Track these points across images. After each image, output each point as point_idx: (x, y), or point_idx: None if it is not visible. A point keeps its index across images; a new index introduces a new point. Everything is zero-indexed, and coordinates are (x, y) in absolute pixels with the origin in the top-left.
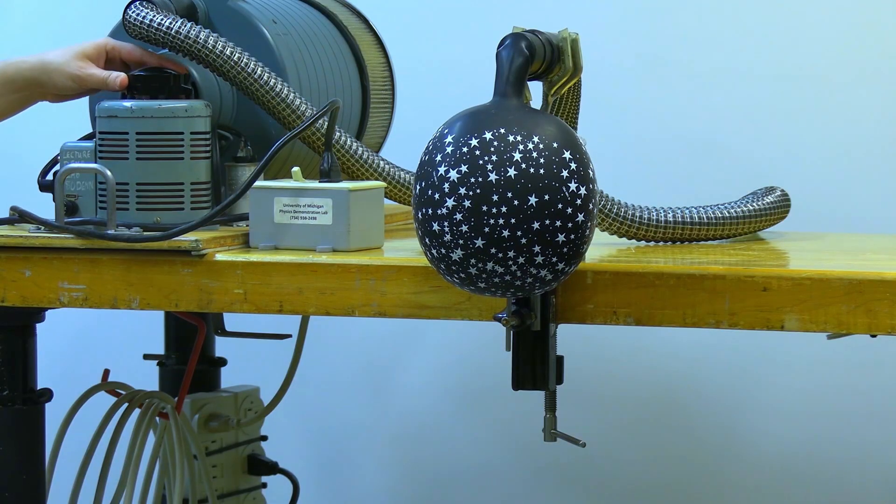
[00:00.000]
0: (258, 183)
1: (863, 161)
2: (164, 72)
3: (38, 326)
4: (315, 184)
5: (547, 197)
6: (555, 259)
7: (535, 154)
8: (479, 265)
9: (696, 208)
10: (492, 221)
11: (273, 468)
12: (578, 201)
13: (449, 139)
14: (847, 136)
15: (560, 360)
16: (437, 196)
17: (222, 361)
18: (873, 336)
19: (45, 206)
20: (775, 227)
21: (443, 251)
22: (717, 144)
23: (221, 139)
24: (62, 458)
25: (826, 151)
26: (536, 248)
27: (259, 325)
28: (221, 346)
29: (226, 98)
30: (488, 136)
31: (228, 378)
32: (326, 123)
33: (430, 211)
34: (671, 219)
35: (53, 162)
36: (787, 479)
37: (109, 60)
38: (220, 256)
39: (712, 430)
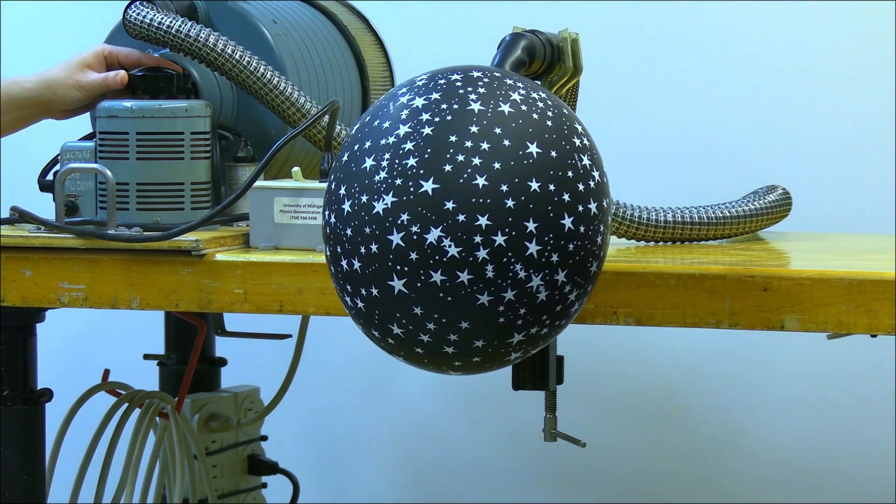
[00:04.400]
0: (258, 183)
1: (863, 161)
2: (165, 72)
3: (38, 326)
4: (315, 184)
5: (554, 154)
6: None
7: (539, 103)
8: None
9: (696, 208)
10: (459, 158)
11: (273, 468)
12: (591, 183)
13: (422, 77)
14: (847, 136)
15: (560, 360)
16: (386, 124)
17: (222, 361)
18: (873, 336)
19: (45, 206)
20: (775, 226)
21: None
22: (718, 144)
23: (221, 139)
24: (62, 458)
25: (826, 151)
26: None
27: (259, 325)
28: (221, 346)
29: (226, 98)
30: (476, 73)
31: (228, 378)
32: (327, 123)
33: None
34: (671, 219)
35: (53, 162)
36: (786, 479)
37: (108, 66)
38: (220, 256)
39: (712, 429)
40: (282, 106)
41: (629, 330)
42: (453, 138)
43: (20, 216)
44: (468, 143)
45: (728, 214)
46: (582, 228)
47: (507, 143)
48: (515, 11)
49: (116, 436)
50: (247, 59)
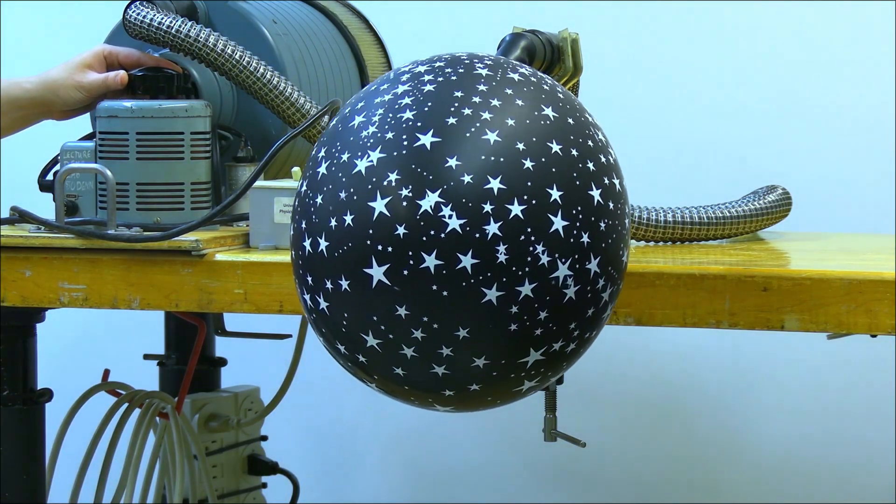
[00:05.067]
0: (258, 183)
1: (863, 161)
2: (165, 72)
3: (38, 326)
4: None
5: (571, 121)
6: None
7: (548, 79)
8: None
9: (696, 208)
10: (465, 112)
11: (273, 468)
12: (611, 158)
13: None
14: (847, 137)
15: None
16: (384, 87)
17: (222, 361)
18: (873, 336)
19: (45, 206)
20: (775, 226)
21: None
22: (718, 144)
23: (221, 139)
24: (62, 458)
25: (826, 151)
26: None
27: (259, 325)
28: (221, 346)
29: (226, 98)
30: (481, 54)
31: (228, 378)
32: (326, 123)
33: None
34: (671, 219)
35: (53, 162)
36: (786, 479)
37: (108, 66)
38: (220, 256)
39: (712, 429)
40: (282, 106)
41: (629, 330)
42: (459, 94)
43: (20, 216)
44: (476, 99)
45: (728, 214)
46: (611, 205)
47: (520, 102)
48: (515, 11)
49: (116, 436)
50: (247, 59)
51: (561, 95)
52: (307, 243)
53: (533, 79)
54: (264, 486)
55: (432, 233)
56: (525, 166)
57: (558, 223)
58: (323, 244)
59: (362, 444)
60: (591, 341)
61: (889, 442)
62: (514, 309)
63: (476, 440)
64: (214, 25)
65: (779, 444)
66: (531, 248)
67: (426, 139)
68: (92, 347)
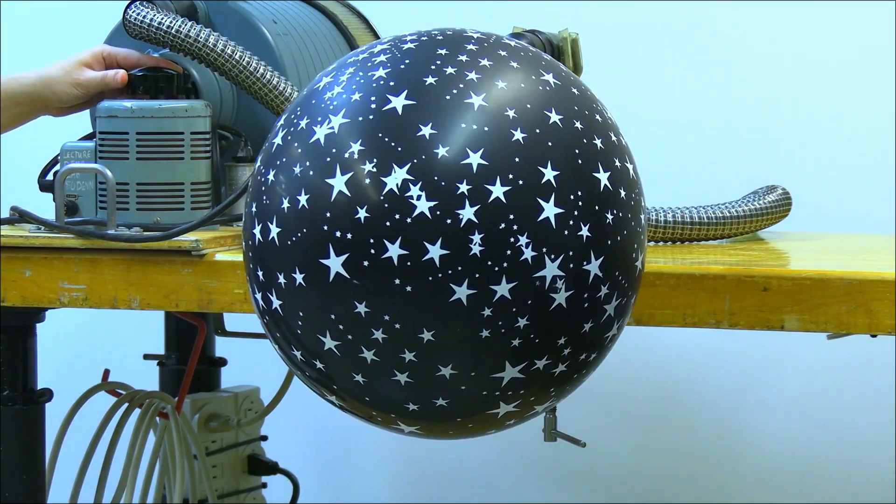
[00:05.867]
0: None
1: (863, 161)
2: (165, 72)
3: (38, 326)
4: None
5: (576, 91)
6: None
7: (547, 56)
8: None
9: (696, 208)
10: (448, 70)
11: (273, 468)
12: (623, 140)
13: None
14: (847, 137)
15: None
16: (360, 49)
17: (222, 361)
18: (873, 336)
19: (45, 206)
20: (775, 227)
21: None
22: (717, 144)
23: (221, 139)
24: (62, 458)
25: (826, 151)
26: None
27: (259, 325)
28: (221, 346)
29: (226, 98)
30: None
31: (228, 378)
32: None
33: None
34: (671, 219)
35: (53, 162)
36: (786, 479)
37: (107, 67)
38: (220, 256)
39: (712, 429)
40: (281, 106)
41: (629, 330)
42: (443, 51)
43: (20, 216)
44: (463, 57)
45: (728, 214)
46: (623, 193)
47: (515, 64)
48: (515, 11)
49: (116, 436)
50: (247, 59)
51: (565, 70)
52: (257, 230)
53: (532, 49)
54: (264, 486)
55: (397, 217)
56: (514, 138)
57: (550, 210)
58: (274, 231)
59: (362, 444)
60: (589, 366)
61: (889, 442)
62: (488, 311)
63: (476, 440)
64: (214, 25)
65: (779, 444)
66: (512, 240)
67: (398, 101)
68: (92, 347)
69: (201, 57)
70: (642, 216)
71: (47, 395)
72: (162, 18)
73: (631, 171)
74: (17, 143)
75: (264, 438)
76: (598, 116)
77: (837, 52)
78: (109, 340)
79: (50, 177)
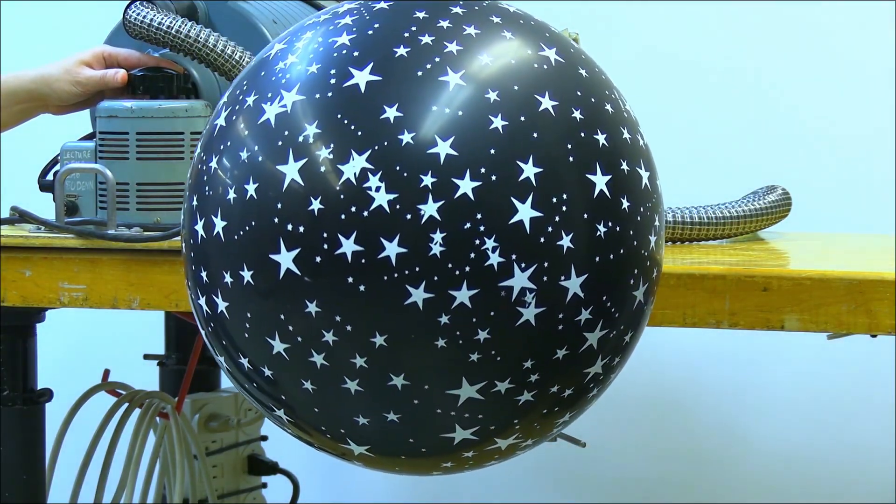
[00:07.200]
0: None
1: (863, 161)
2: (165, 72)
3: (38, 326)
4: None
5: (584, 73)
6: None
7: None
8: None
9: (696, 208)
10: (423, 40)
11: (273, 468)
12: (641, 139)
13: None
14: (847, 137)
15: None
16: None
17: None
18: (873, 336)
19: (45, 206)
20: (775, 227)
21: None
22: (717, 144)
23: None
24: (62, 458)
25: (826, 151)
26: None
27: None
28: None
29: None
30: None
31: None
32: None
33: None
34: (671, 219)
35: (53, 162)
36: (785, 479)
37: (107, 67)
38: None
39: (712, 429)
40: None
41: None
42: (421, 14)
43: (20, 216)
44: (444, 23)
45: (728, 214)
46: (626, 204)
47: (508, 34)
48: None
49: (116, 436)
50: (247, 59)
51: (575, 47)
52: (199, 226)
53: (537, 18)
54: (264, 486)
55: (353, 209)
56: (492, 125)
57: (524, 213)
58: (219, 225)
59: None
60: (562, 403)
61: (889, 442)
62: (445, 319)
63: None
64: (214, 25)
65: (778, 444)
66: (477, 242)
67: (361, 76)
68: (92, 347)
69: (201, 57)
70: (653, 238)
71: (47, 395)
72: (162, 18)
73: (644, 180)
74: (17, 142)
75: (264, 438)
76: (608, 107)
77: (837, 53)
78: (109, 340)
79: (50, 177)
